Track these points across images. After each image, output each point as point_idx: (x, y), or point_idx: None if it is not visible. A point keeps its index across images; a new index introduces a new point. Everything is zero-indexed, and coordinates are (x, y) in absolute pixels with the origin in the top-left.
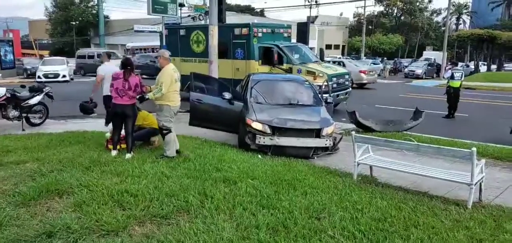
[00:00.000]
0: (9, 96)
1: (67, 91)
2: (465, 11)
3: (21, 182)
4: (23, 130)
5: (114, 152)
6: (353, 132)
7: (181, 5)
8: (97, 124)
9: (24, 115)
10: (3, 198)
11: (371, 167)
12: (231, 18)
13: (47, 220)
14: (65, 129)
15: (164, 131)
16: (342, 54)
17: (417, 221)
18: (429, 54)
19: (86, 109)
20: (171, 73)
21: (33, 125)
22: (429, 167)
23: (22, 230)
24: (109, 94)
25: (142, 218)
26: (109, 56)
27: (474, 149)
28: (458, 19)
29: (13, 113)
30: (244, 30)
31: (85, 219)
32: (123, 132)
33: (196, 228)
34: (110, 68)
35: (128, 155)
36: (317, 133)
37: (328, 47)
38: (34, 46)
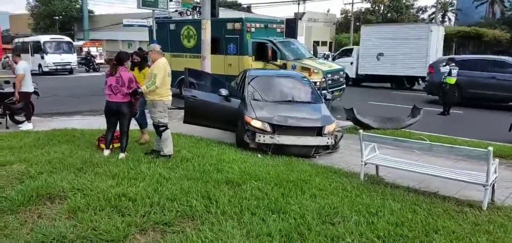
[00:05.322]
0: None
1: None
2: (450, 8)
3: (8, 186)
4: (7, 128)
5: (106, 152)
6: (361, 131)
7: None
8: (86, 122)
9: (8, 112)
10: None
11: (377, 166)
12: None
13: (39, 229)
14: (52, 126)
15: (161, 128)
16: (330, 50)
17: (436, 225)
18: None
19: (14, 111)
20: (164, 65)
21: (18, 122)
22: (433, 166)
23: (11, 240)
24: (27, 90)
25: (143, 225)
26: (19, 55)
27: (491, 148)
28: (443, 16)
29: None
30: (237, 25)
31: (81, 227)
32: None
33: (204, 236)
34: (26, 66)
35: (122, 155)
36: (318, 131)
37: (316, 43)
38: None
